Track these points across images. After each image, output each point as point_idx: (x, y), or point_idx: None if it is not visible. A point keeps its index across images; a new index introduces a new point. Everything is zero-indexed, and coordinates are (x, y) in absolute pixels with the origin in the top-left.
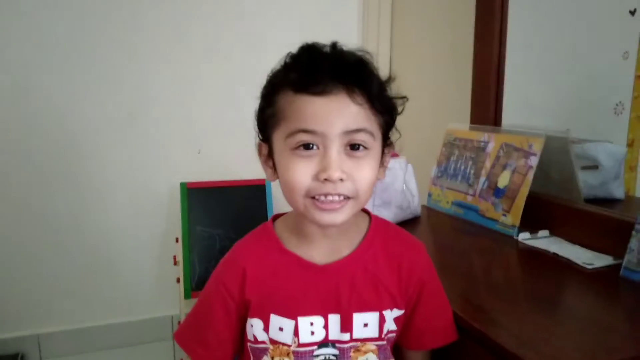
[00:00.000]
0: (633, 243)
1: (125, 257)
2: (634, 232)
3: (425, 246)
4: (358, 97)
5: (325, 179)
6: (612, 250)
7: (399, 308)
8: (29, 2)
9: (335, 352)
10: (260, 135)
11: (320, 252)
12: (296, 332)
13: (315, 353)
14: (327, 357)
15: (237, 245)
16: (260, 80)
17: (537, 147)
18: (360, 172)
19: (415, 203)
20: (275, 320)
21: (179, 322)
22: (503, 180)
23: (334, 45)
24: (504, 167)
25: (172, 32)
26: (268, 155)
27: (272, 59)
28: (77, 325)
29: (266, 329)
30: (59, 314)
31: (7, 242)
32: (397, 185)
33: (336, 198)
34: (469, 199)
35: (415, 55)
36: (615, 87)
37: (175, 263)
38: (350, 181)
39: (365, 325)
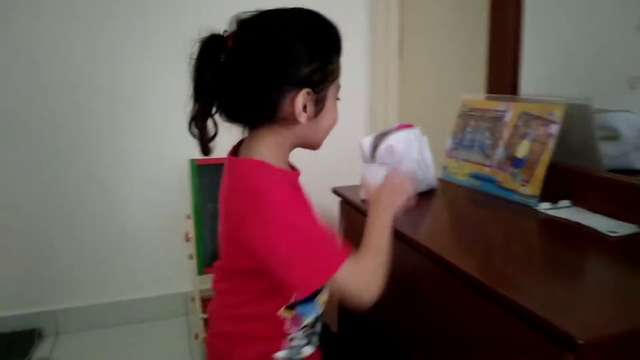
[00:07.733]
0: None
1: (137, 234)
2: None
3: None
4: None
5: None
6: (635, 219)
7: None
8: None
9: None
10: (312, 87)
11: None
12: None
13: None
14: None
15: (263, 174)
16: None
17: (558, 115)
18: None
19: (431, 175)
20: None
21: (192, 299)
22: (522, 150)
23: None
24: (523, 137)
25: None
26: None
27: None
28: (93, 301)
29: None
30: (75, 291)
31: (22, 221)
32: (412, 154)
33: None
34: (486, 170)
35: (427, 26)
36: (630, 60)
37: (187, 240)
38: None
39: None
